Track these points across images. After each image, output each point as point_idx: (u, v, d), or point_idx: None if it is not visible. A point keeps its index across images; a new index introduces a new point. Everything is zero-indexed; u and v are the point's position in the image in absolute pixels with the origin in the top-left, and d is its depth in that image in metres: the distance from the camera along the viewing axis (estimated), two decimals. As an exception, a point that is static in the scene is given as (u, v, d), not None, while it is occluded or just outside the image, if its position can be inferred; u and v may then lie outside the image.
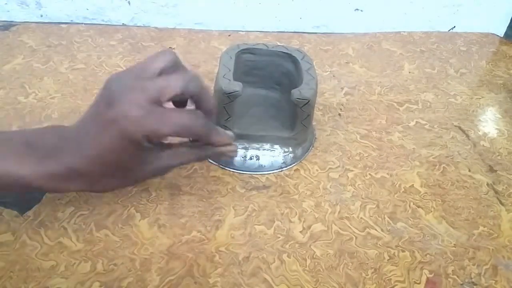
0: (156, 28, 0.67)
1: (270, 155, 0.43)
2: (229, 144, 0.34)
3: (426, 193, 0.43)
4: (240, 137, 0.43)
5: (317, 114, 0.52)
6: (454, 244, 0.38)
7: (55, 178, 0.28)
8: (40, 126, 0.45)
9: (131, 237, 0.36)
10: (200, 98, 0.31)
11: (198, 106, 0.31)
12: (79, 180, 0.29)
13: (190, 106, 0.32)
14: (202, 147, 0.33)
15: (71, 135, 0.29)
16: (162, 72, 0.30)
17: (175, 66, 0.31)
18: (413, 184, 0.44)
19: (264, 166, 0.43)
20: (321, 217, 0.39)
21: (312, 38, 0.69)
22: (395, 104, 0.56)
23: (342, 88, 0.58)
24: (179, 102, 0.33)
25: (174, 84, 0.29)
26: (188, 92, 0.29)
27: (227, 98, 0.40)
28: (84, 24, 0.66)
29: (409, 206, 0.41)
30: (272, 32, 0.70)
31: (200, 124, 0.30)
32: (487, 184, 0.45)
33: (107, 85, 0.29)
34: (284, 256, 0.36)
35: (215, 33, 0.68)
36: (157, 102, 0.28)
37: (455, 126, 0.53)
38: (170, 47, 0.62)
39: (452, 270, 0.36)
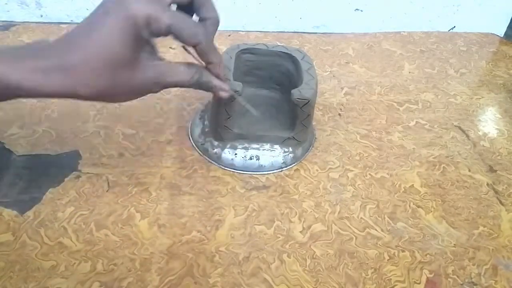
0: (156, 28, 0.67)
1: (270, 155, 0.43)
2: (224, 79, 0.34)
3: (426, 193, 0.43)
4: (240, 137, 0.43)
5: (317, 114, 0.52)
6: (454, 244, 0.38)
7: (36, 72, 0.26)
8: (40, 126, 0.45)
9: (131, 237, 0.36)
10: (201, 1, 0.31)
11: (200, 14, 0.31)
12: (63, 76, 0.27)
13: None
14: (200, 70, 0.33)
15: (58, 39, 0.28)
16: None
17: None
18: (413, 184, 0.44)
19: (264, 166, 0.43)
20: (321, 217, 0.39)
21: (312, 38, 0.69)
22: (395, 104, 0.56)
23: (342, 88, 0.58)
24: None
25: None
26: None
27: (227, 98, 0.40)
28: (84, 24, 0.66)
29: (409, 206, 0.41)
30: (272, 32, 0.70)
31: (201, 31, 0.30)
32: (487, 184, 0.45)
33: None
34: (284, 256, 0.36)
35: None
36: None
37: (455, 126, 0.53)
38: (170, 47, 0.62)
39: (452, 270, 0.36)
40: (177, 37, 0.30)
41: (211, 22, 0.32)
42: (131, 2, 0.27)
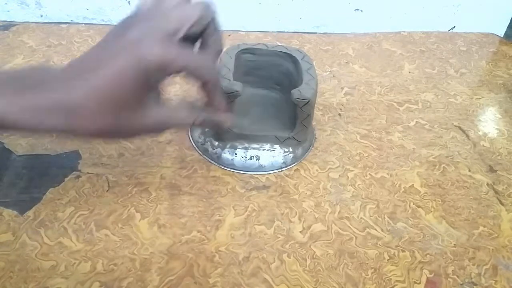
0: (156, 28, 0.67)
1: (270, 155, 0.43)
2: (225, 112, 0.33)
3: (426, 193, 0.43)
4: (240, 137, 0.43)
5: (317, 114, 0.52)
6: (454, 244, 0.38)
7: (34, 110, 0.25)
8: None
9: (131, 237, 0.36)
10: (211, 31, 0.30)
11: (206, 42, 0.30)
12: (63, 115, 0.25)
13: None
14: (201, 110, 0.32)
15: (63, 70, 0.27)
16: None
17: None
18: (413, 184, 0.44)
19: (264, 166, 0.43)
20: (321, 217, 0.39)
21: (312, 38, 0.69)
22: (395, 104, 0.56)
23: (342, 88, 0.58)
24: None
25: (192, 13, 0.28)
26: (205, 19, 0.29)
27: (227, 98, 0.40)
28: (84, 24, 0.66)
29: (409, 206, 0.41)
30: (272, 32, 0.70)
31: (213, 69, 0.30)
32: (487, 184, 0.45)
33: (122, 19, 0.28)
34: (284, 256, 0.36)
35: (215, 33, 0.67)
36: (175, 35, 0.27)
37: (455, 126, 0.53)
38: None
39: (452, 270, 0.36)
40: (189, 76, 0.29)
41: (215, 53, 0.31)
42: (143, 46, 0.25)
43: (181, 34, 0.27)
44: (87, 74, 0.25)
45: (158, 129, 0.31)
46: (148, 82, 0.27)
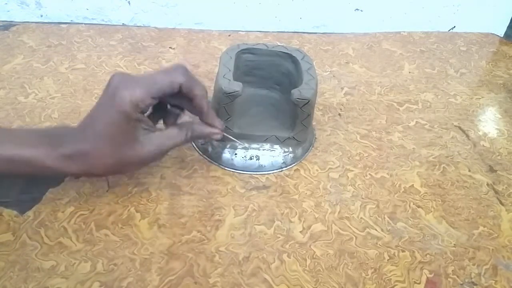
0: (156, 28, 0.67)
1: (270, 155, 0.43)
2: (216, 126, 0.37)
3: (426, 193, 0.43)
4: (240, 137, 0.43)
5: (317, 114, 0.52)
6: (454, 244, 0.38)
7: (63, 159, 0.32)
8: (40, 126, 0.45)
9: (131, 237, 0.36)
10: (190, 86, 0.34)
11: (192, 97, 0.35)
12: (81, 160, 0.33)
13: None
14: (189, 126, 0.36)
15: (77, 127, 0.34)
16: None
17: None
18: (413, 184, 0.44)
19: (264, 166, 0.43)
20: (321, 217, 0.39)
21: (312, 38, 0.69)
22: (395, 104, 0.56)
23: (342, 88, 0.58)
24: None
25: (175, 79, 0.33)
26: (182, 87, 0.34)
27: (227, 98, 0.40)
28: (84, 24, 0.66)
29: (409, 206, 0.41)
30: (272, 32, 0.70)
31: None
32: (487, 184, 0.45)
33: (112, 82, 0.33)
34: (284, 256, 0.36)
35: (215, 33, 0.68)
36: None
37: (455, 126, 0.53)
38: (170, 47, 0.62)
39: (452, 270, 0.36)
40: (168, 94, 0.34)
41: (200, 98, 0.35)
42: (119, 94, 0.31)
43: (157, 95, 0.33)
44: (89, 129, 0.33)
45: (158, 154, 0.35)
46: (131, 120, 0.32)
